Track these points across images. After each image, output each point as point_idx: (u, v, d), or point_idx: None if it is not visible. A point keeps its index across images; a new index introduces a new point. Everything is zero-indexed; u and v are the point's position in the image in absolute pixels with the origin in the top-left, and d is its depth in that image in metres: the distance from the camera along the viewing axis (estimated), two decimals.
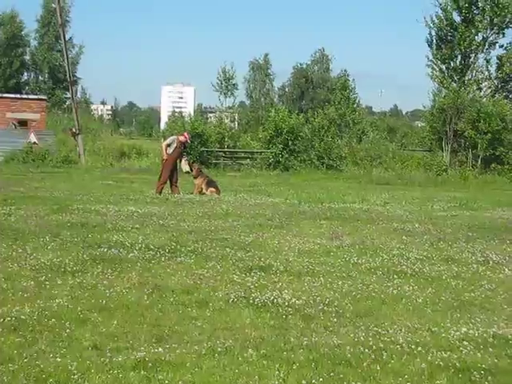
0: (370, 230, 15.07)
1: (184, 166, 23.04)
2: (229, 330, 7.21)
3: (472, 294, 9.25)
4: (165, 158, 22.65)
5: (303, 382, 5.78)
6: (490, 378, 6.08)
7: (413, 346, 6.80)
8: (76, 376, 5.71)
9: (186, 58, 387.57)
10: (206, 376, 5.85)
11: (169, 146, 22.64)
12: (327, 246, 12.61)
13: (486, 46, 46.63)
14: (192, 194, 22.59)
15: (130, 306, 7.92)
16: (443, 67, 47.37)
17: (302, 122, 43.25)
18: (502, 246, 13.54)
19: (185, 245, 11.85)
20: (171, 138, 23.75)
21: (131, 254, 10.85)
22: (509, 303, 8.87)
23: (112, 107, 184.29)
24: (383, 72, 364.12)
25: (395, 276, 10.14)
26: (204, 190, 22.64)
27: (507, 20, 45.97)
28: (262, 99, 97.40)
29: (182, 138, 23.13)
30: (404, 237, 14.17)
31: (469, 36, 45.09)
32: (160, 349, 6.45)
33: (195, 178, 23.17)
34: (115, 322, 7.25)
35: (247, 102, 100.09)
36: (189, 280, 9.37)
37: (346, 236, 13.87)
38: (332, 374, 6.01)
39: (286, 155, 39.98)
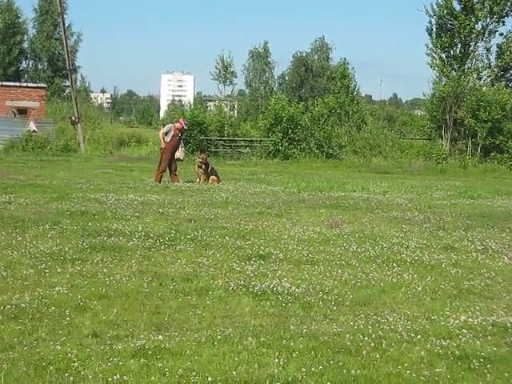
0: (370, 218, 15.08)
1: (177, 152, 22.71)
2: (228, 318, 7.22)
3: (471, 283, 9.27)
4: (163, 146, 22.60)
5: (303, 369, 5.78)
6: (489, 365, 6.09)
7: (412, 334, 6.81)
8: (76, 364, 5.71)
9: (186, 46, 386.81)
10: (206, 364, 5.86)
11: (166, 134, 22.59)
12: (327, 234, 12.61)
13: (486, 35, 46.69)
14: (192, 182, 22.54)
15: (130, 294, 7.93)
16: (443, 56, 47.35)
17: (301, 111, 43.14)
18: (501, 234, 13.56)
19: (184, 233, 11.86)
20: (168, 126, 23.69)
21: (131, 243, 10.86)
22: (508, 291, 8.89)
23: (111, 95, 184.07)
24: (383, 61, 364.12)
25: (395, 264, 10.15)
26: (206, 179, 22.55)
27: (507, 8, 46.00)
28: (262, 88, 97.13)
29: (178, 125, 23.11)
30: (403, 225, 14.18)
31: (469, 24, 45.08)
32: (160, 337, 6.46)
33: (200, 167, 22.85)
34: (115, 310, 7.26)
35: (247, 91, 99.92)
36: (188, 268, 9.38)
37: (345, 224, 13.87)
38: (331, 361, 6.02)
39: (286, 144, 39.93)
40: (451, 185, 26.67)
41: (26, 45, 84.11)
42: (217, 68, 46.89)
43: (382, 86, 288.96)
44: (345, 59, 52.27)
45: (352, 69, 51.33)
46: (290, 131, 40.23)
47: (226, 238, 11.61)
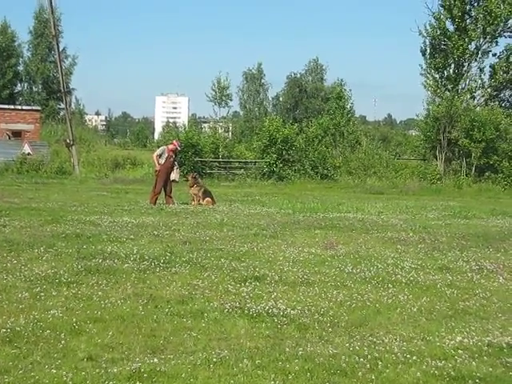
0: (365, 239, 15.08)
1: (172, 174, 22.74)
2: (224, 341, 7.20)
3: (467, 303, 9.27)
4: (157, 168, 22.69)
5: None
6: None
7: (408, 355, 6.80)
8: None
9: (180, 68, 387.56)
10: None
11: (160, 156, 22.68)
12: (322, 255, 12.61)
13: (479, 55, 46.82)
14: (187, 204, 22.54)
15: (125, 316, 7.90)
16: (437, 76, 47.49)
17: (296, 132, 43.31)
18: (496, 254, 13.57)
19: (179, 255, 11.84)
20: (161, 148, 23.79)
21: (126, 265, 10.84)
22: (503, 312, 8.89)
23: (106, 118, 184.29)
24: (377, 81, 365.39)
25: (390, 285, 10.15)
26: (200, 200, 22.58)
27: (500, 29, 46.19)
28: (256, 109, 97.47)
29: (171, 147, 23.27)
30: (398, 246, 14.19)
31: (462, 45, 45.24)
32: (155, 359, 6.44)
33: (191, 187, 23.05)
34: (110, 333, 7.24)
35: (241, 112, 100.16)
36: (184, 290, 9.36)
37: (340, 245, 13.87)
38: (327, 383, 6.01)
39: (281, 165, 40.05)
40: (446, 205, 26.70)
41: (20, 67, 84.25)
42: (213, 90, 46.99)
43: (377, 107, 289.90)
44: (341, 80, 52.37)
45: (349, 90, 51.40)
46: (284, 152, 40.36)
47: (221, 259, 11.60)
